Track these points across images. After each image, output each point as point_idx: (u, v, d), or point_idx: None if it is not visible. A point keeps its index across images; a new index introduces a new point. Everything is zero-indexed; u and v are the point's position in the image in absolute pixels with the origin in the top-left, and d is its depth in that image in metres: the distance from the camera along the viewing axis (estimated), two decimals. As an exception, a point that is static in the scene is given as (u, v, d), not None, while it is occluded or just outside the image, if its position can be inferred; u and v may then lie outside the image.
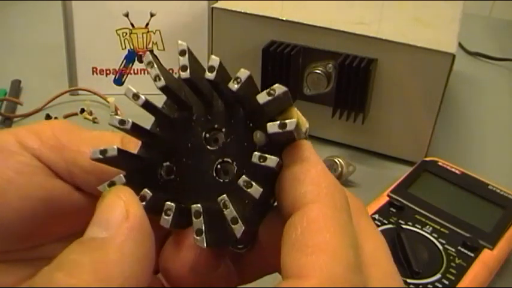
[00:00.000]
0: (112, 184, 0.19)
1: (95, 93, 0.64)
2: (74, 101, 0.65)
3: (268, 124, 0.18)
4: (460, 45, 0.85)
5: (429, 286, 0.36)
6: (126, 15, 0.66)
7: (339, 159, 0.53)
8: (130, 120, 0.20)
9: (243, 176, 0.18)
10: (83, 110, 0.62)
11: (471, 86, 0.78)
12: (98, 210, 0.18)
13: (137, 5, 0.66)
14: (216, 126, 0.21)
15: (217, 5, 0.57)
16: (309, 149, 0.20)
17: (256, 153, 0.18)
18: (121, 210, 0.18)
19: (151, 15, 0.66)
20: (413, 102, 0.54)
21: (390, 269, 0.20)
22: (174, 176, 0.21)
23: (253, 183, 0.18)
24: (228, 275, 0.22)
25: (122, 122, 0.19)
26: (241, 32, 0.57)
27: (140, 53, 0.68)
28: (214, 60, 0.19)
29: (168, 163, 0.21)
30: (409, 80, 0.53)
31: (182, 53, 0.19)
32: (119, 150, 0.19)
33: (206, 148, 0.21)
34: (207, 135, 0.21)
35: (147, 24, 0.67)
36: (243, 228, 0.18)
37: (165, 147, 0.21)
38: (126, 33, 0.67)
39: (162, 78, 0.20)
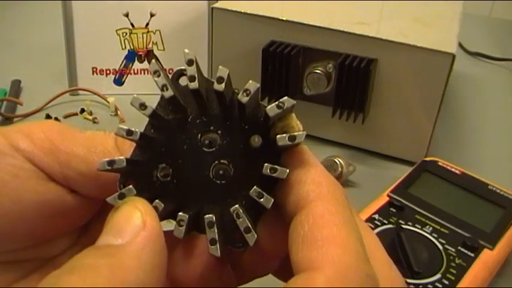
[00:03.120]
0: (122, 196, 0.19)
1: (95, 93, 0.64)
2: (74, 101, 0.65)
3: (278, 137, 0.19)
4: (460, 45, 0.85)
5: (429, 286, 0.36)
6: (126, 15, 0.66)
7: (339, 159, 0.53)
8: (138, 131, 0.20)
9: (255, 187, 0.19)
10: (83, 110, 0.62)
11: (471, 86, 0.78)
12: (111, 221, 0.18)
13: (137, 5, 0.66)
14: (211, 128, 0.21)
15: (217, 5, 0.57)
16: (307, 152, 0.21)
17: (266, 164, 0.19)
18: (138, 219, 0.18)
19: (151, 15, 0.66)
20: (413, 102, 0.54)
21: (387, 259, 0.21)
22: (171, 177, 0.21)
23: (265, 194, 0.19)
24: (228, 277, 0.23)
25: (130, 132, 0.20)
26: (241, 32, 0.57)
27: (140, 53, 0.68)
28: (223, 71, 0.19)
29: (164, 165, 0.21)
30: (409, 80, 0.53)
31: (190, 62, 0.20)
32: (127, 161, 0.19)
33: (202, 150, 0.21)
34: (203, 137, 0.21)
35: (147, 24, 0.67)
36: (256, 236, 0.19)
37: (160, 149, 0.21)
38: (126, 33, 0.67)
39: (169, 88, 0.20)
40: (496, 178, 0.48)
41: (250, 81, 0.19)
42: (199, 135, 0.21)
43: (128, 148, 0.21)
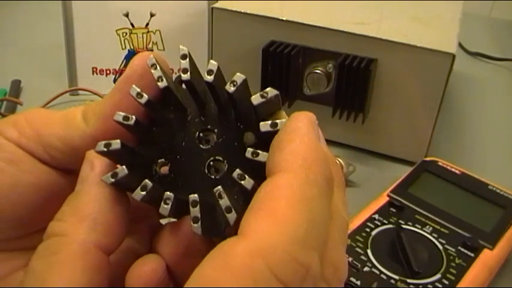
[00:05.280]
0: (115, 175, 0.20)
1: (95, 93, 0.64)
2: (74, 101, 0.65)
3: (261, 123, 0.20)
4: (460, 45, 0.85)
5: (429, 286, 0.36)
6: (126, 15, 0.66)
7: (339, 159, 0.53)
8: (134, 117, 0.21)
9: (237, 169, 0.19)
10: (83, 110, 0.62)
11: (471, 86, 0.78)
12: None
13: (137, 5, 0.66)
14: (208, 127, 0.22)
15: (217, 5, 0.57)
16: (303, 120, 0.20)
17: (249, 149, 0.20)
18: (88, 164, 0.21)
19: (151, 15, 0.66)
20: (413, 102, 0.54)
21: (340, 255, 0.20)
22: (169, 172, 0.22)
23: (246, 176, 0.19)
24: None
25: (126, 118, 0.21)
26: (241, 32, 0.57)
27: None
28: (213, 65, 0.21)
29: (163, 160, 0.22)
30: (409, 80, 0.53)
31: (183, 57, 0.21)
32: (122, 144, 0.20)
33: (199, 147, 0.22)
34: (200, 135, 0.22)
35: (147, 24, 0.67)
36: (236, 216, 0.19)
37: (160, 145, 0.22)
38: (126, 33, 0.67)
39: (164, 79, 0.21)
40: (496, 178, 0.48)
41: (238, 74, 0.20)
42: (197, 133, 0.22)
43: (93, 118, 0.22)
